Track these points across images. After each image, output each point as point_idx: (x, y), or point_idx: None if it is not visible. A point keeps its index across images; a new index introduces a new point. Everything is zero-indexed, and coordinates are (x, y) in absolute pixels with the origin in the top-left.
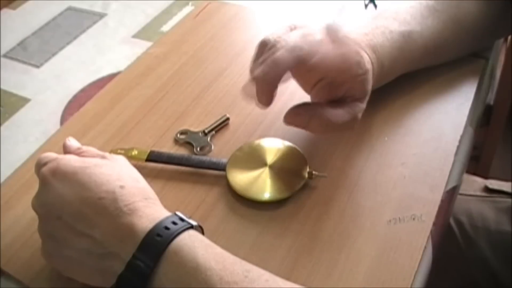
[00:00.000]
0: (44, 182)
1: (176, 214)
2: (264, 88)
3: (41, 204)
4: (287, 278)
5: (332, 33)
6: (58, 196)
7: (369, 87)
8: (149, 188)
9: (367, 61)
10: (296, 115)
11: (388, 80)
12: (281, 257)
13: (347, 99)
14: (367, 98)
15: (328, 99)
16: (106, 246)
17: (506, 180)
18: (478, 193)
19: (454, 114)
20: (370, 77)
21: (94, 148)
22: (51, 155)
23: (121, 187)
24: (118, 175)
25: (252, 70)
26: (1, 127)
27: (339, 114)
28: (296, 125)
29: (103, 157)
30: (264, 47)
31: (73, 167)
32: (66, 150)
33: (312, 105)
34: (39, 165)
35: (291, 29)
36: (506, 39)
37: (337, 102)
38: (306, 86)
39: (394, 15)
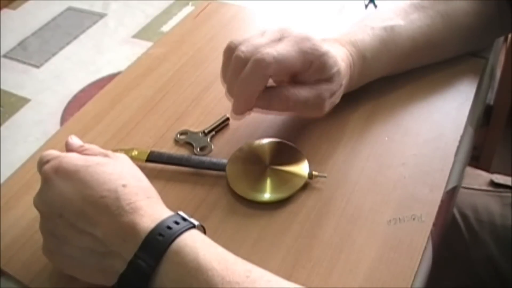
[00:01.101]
0: (46, 180)
1: (178, 214)
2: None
3: (43, 201)
4: (287, 278)
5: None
6: (60, 194)
7: (333, 68)
8: (152, 187)
9: (323, 44)
10: (257, 99)
11: (378, 73)
12: (281, 257)
13: (311, 82)
14: (335, 78)
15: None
16: (108, 244)
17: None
18: (484, 187)
19: (454, 114)
20: (330, 58)
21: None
22: (53, 152)
23: (123, 185)
24: (121, 174)
25: (223, 76)
26: (1, 127)
27: (299, 91)
28: (261, 107)
29: (105, 155)
30: (231, 51)
31: (75, 165)
32: (68, 148)
33: (273, 86)
34: (41, 163)
35: (262, 34)
36: (506, 39)
37: (301, 83)
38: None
39: (377, 14)
